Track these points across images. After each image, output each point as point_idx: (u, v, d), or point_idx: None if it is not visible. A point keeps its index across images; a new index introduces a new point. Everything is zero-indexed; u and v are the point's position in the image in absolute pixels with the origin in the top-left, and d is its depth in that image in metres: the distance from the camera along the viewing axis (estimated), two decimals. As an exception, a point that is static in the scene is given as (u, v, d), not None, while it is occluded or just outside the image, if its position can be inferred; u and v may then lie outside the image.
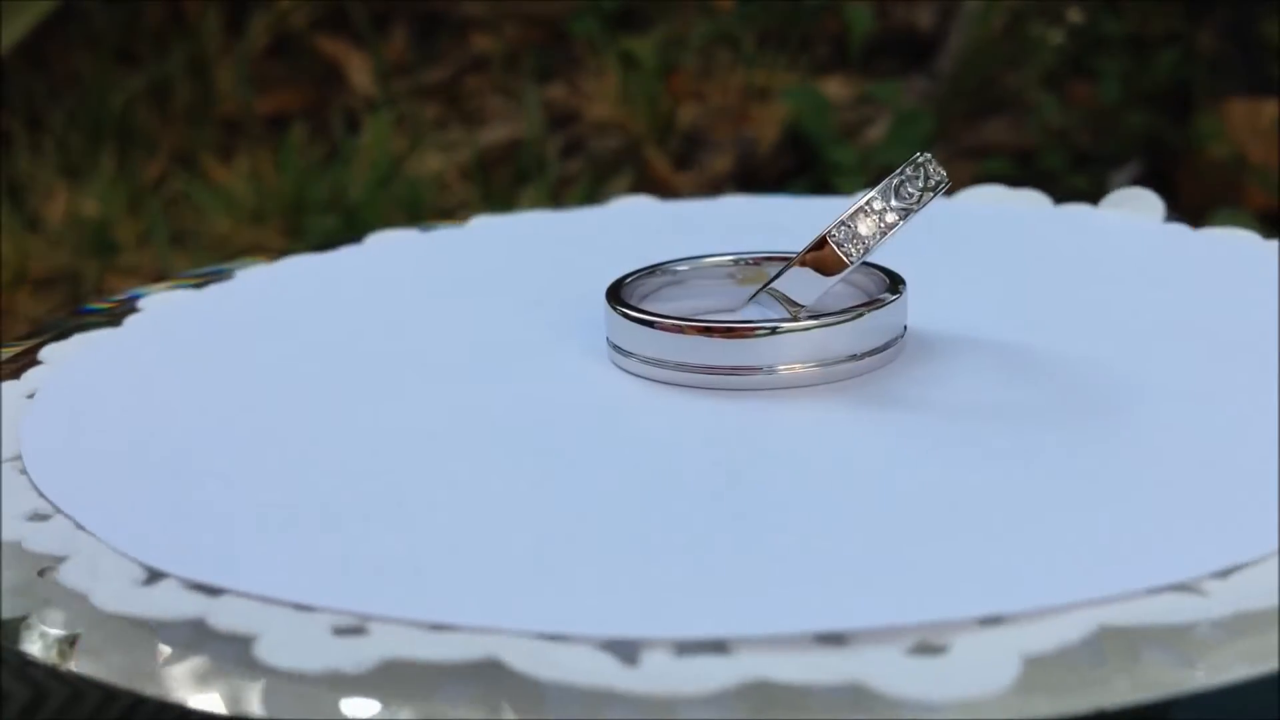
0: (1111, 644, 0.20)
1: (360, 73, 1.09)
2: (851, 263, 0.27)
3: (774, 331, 0.27)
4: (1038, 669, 0.19)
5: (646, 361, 0.28)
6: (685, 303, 0.31)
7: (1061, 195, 0.40)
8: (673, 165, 0.98)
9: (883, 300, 0.28)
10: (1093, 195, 0.39)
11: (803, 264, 0.28)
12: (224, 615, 0.21)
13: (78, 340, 0.33)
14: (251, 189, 0.94)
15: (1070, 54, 0.99)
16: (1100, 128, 0.95)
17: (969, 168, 0.93)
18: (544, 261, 0.37)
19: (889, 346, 0.28)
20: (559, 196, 0.93)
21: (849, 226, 0.27)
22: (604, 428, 0.27)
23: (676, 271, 0.32)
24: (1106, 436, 0.25)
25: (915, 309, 0.30)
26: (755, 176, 0.96)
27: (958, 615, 0.20)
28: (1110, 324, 0.30)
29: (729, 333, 0.28)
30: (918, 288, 0.30)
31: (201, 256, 0.86)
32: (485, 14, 1.13)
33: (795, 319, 0.28)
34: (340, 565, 0.22)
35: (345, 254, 0.38)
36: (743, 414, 0.27)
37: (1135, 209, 0.37)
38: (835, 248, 0.27)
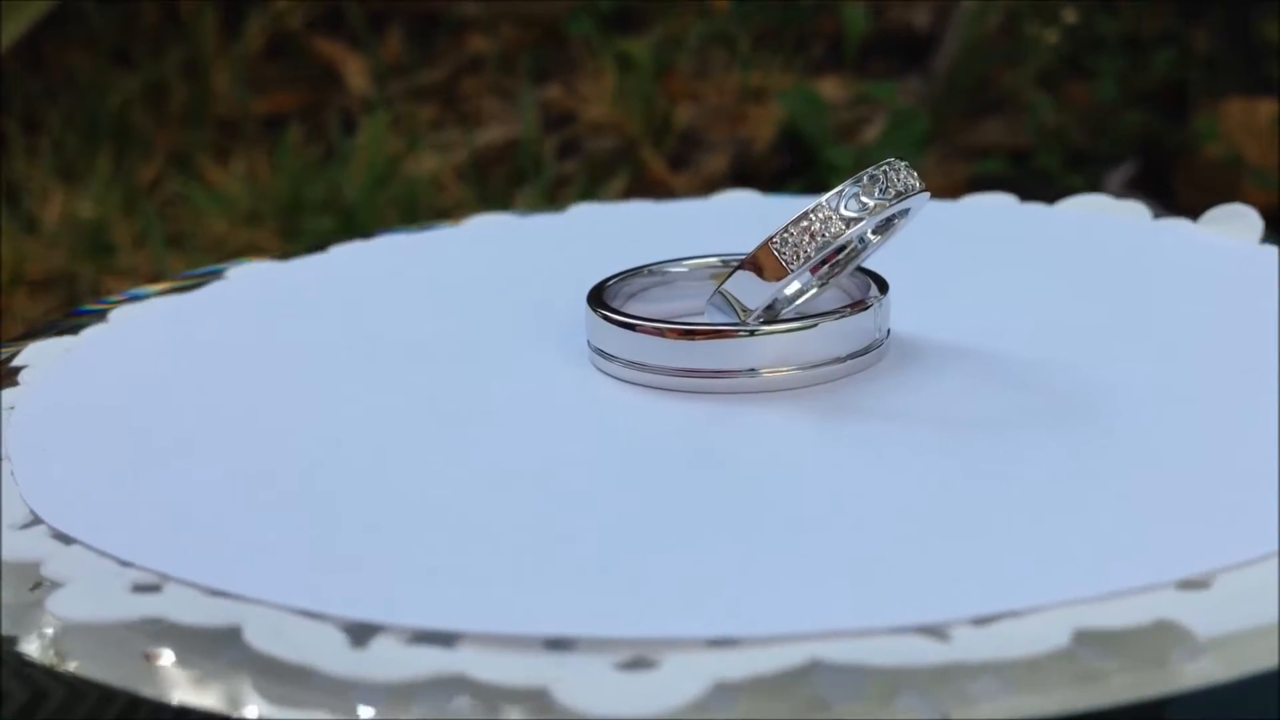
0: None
1: (356, 74, 1.09)
2: (791, 270, 0.27)
3: (754, 334, 0.27)
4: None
5: (628, 365, 0.28)
6: (669, 304, 0.31)
7: (1057, 195, 0.40)
8: (668, 166, 0.98)
9: (863, 304, 0.28)
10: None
11: (745, 269, 0.27)
12: (53, 563, 0.22)
13: (151, 304, 0.34)
14: (247, 190, 0.94)
15: (1066, 54, 0.98)
16: (1096, 127, 0.95)
17: (965, 167, 0.93)
18: (624, 252, 0.36)
19: (870, 350, 0.28)
20: (555, 197, 0.93)
21: (791, 233, 0.27)
22: (544, 426, 0.27)
23: (663, 273, 0.31)
24: (1056, 444, 0.25)
25: (923, 313, 0.29)
26: (751, 177, 0.96)
27: (679, 633, 0.20)
28: (1118, 334, 0.30)
29: (710, 335, 0.27)
30: (936, 293, 0.29)
31: (197, 258, 0.86)
32: (481, 15, 1.13)
33: (744, 323, 0.28)
34: (167, 525, 0.23)
35: (441, 235, 0.39)
36: (699, 415, 0.27)
37: (1234, 229, 0.36)
38: (775, 254, 0.27)
